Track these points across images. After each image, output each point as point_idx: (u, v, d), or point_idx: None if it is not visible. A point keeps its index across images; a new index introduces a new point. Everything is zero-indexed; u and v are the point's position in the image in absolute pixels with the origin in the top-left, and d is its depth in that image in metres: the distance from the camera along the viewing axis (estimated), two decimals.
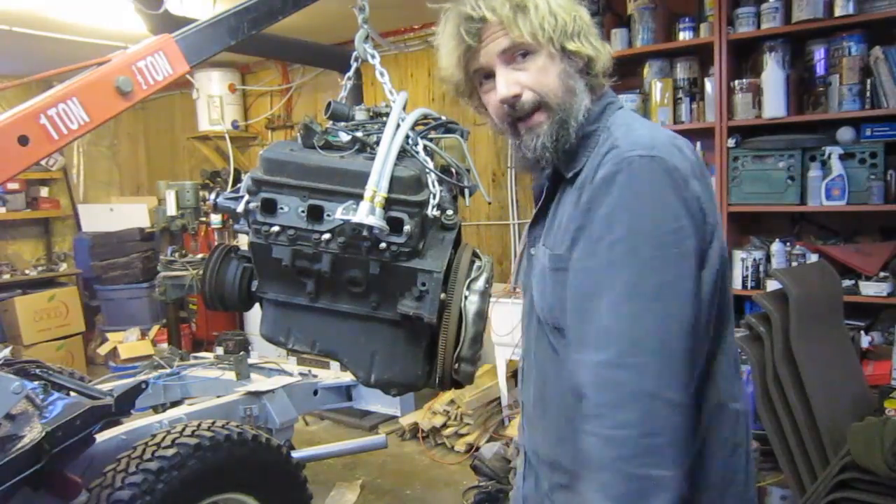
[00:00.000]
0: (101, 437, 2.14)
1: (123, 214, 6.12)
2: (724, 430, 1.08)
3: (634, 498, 0.92)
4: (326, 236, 1.37)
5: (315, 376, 3.22)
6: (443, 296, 1.37)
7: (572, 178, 1.11)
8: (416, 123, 1.48)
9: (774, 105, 3.19)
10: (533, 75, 1.09)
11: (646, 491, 0.92)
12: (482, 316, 1.40)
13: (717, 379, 1.08)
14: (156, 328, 5.68)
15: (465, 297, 1.39)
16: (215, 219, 5.40)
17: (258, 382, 3.04)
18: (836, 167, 3.08)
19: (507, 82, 1.09)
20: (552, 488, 1.17)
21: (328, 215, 1.36)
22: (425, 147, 1.45)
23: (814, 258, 3.20)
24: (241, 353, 3.77)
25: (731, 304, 1.13)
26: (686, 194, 0.99)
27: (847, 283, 3.05)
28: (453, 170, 1.48)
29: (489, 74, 1.12)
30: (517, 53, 1.08)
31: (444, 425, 4.01)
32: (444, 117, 1.58)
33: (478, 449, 3.73)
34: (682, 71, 3.55)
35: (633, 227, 0.97)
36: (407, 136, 1.42)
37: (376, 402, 3.27)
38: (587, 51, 1.10)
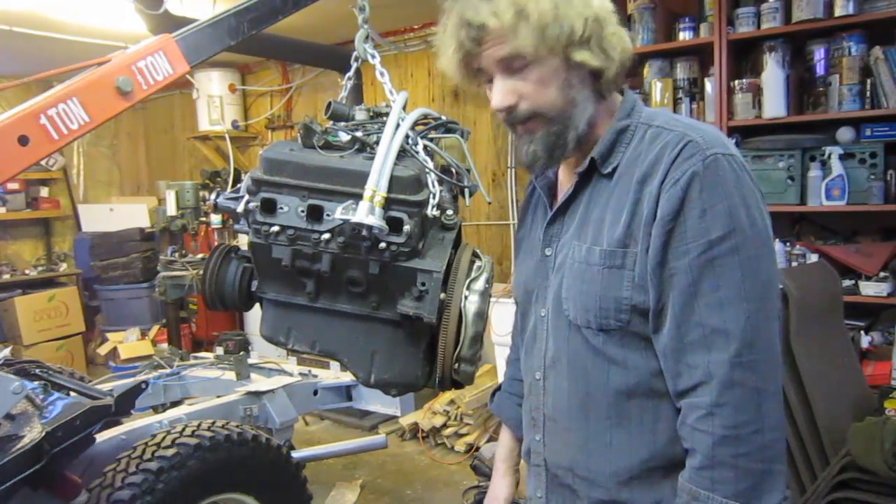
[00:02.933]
0: (101, 437, 2.14)
1: (123, 214, 6.12)
2: None
3: (756, 493, 0.95)
4: (326, 236, 1.37)
5: (315, 376, 3.22)
6: (443, 296, 1.37)
7: (609, 173, 1.09)
8: (415, 123, 1.48)
9: (774, 105, 3.19)
10: (531, 86, 1.04)
11: (764, 485, 0.95)
12: (482, 316, 1.40)
13: None
14: (156, 328, 5.69)
15: (465, 297, 1.38)
16: (215, 219, 5.40)
17: (258, 382, 3.04)
18: (836, 167, 3.08)
19: (503, 93, 1.05)
20: None
21: (328, 215, 1.36)
22: (425, 147, 1.45)
23: (814, 258, 3.20)
24: (241, 353, 3.77)
25: None
26: (761, 194, 1.01)
27: (847, 283, 3.05)
28: (453, 170, 1.48)
29: (490, 77, 1.08)
30: (516, 62, 1.03)
31: (444, 425, 4.01)
32: (444, 117, 1.58)
33: (478, 449, 3.73)
34: (682, 71, 3.55)
35: (734, 225, 0.96)
36: (407, 136, 1.42)
37: (376, 402, 3.27)
38: (594, 62, 1.04)
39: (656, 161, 1.02)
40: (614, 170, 1.08)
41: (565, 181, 1.19)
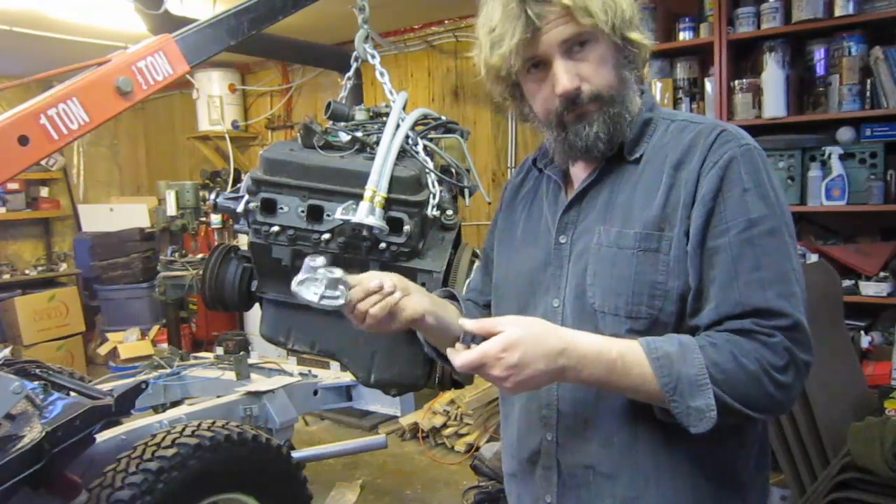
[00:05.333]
0: (101, 437, 2.14)
1: (123, 214, 6.11)
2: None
3: (700, 397, 0.94)
4: (326, 236, 1.37)
5: (315, 376, 3.22)
6: None
7: (636, 159, 1.10)
8: (415, 123, 1.48)
9: (774, 105, 3.19)
10: (592, 66, 1.04)
11: (706, 403, 0.95)
12: None
13: None
14: (156, 328, 5.68)
15: None
16: (215, 219, 5.40)
17: (258, 382, 3.04)
18: (836, 167, 3.08)
19: (569, 74, 1.03)
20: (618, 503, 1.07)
21: (328, 215, 1.36)
22: (425, 147, 1.45)
23: (814, 258, 3.19)
24: (241, 353, 3.77)
25: None
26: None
27: (847, 283, 3.05)
28: (453, 170, 1.48)
29: (539, 63, 1.05)
30: (576, 43, 1.03)
31: (444, 425, 4.01)
32: (444, 117, 1.58)
33: (478, 449, 3.73)
34: (682, 71, 3.55)
35: (770, 209, 0.99)
36: (407, 136, 1.42)
37: (376, 402, 3.27)
38: (644, 40, 1.08)
39: (690, 147, 1.05)
40: (640, 157, 1.10)
41: (579, 170, 1.16)
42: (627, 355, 0.95)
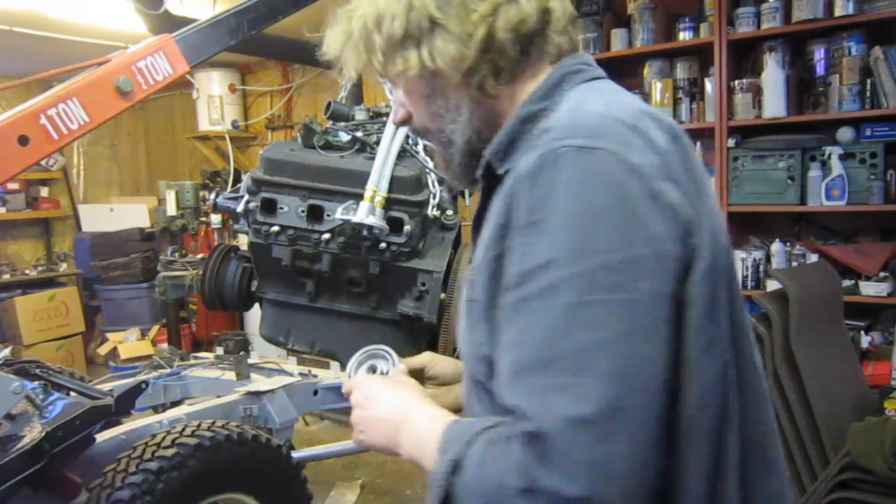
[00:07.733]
0: (101, 437, 2.14)
1: (123, 214, 6.11)
2: None
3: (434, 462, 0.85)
4: (326, 236, 1.37)
5: (315, 376, 3.22)
6: (443, 296, 1.37)
7: (504, 174, 0.80)
8: None
9: (774, 105, 3.19)
10: (406, 99, 0.90)
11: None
12: None
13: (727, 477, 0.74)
14: (156, 328, 5.68)
15: None
16: (215, 219, 5.40)
17: (258, 382, 3.04)
18: (836, 167, 3.08)
19: (393, 107, 0.94)
20: None
21: (328, 215, 1.36)
22: (425, 147, 1.45)
23: (814, 258, 3.20)
24: (241, 353, 3.76)
25: (749, 352, 0.81)
26: (645, 206, 0.68)
27: (847, 283, 3.05)
28: None
29: None
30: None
31: None
32: None
33: None
34: (682, 71, 3.55)
35: (553, 254, 0.67)
36: (407, 136, 1.43)
37: None
38: (414, 69, 0.80)
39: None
40: (506, 172, 0.80)
41: None
42: (432, 433, 0.86)
